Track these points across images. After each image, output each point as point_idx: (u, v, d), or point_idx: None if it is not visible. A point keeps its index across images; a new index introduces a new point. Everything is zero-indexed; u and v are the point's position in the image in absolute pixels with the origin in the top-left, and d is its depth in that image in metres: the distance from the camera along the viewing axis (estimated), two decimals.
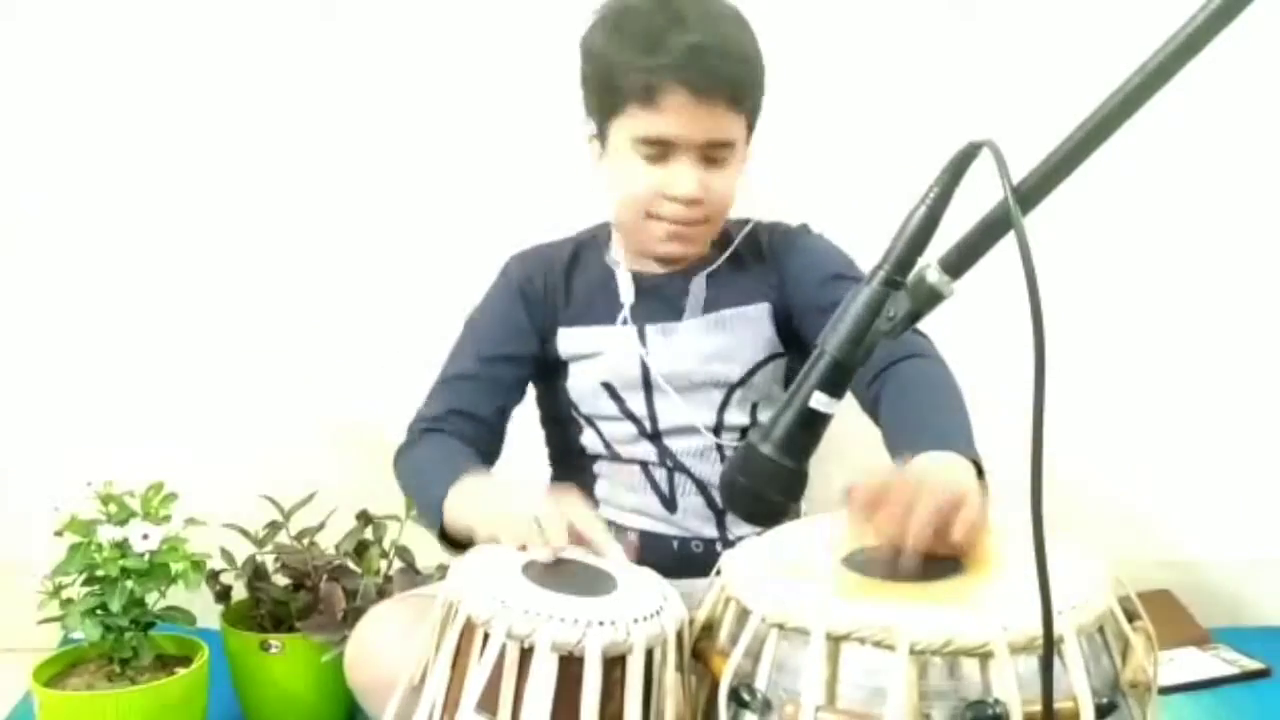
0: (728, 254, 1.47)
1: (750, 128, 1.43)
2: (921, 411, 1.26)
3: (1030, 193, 0.84)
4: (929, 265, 0.91)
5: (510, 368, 1.46)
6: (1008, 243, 0.84)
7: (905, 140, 1.75)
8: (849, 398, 1.32)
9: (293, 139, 1.79)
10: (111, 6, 1.77)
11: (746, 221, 1.53)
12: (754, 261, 1.48)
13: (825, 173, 1.78)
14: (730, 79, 1.34)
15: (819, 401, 0.95)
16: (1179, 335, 1.85)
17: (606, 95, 1.38)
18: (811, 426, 0.97)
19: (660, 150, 1.36)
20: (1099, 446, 1.86)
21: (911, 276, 0.92)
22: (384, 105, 1.78)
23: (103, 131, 1.79)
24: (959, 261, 0.90)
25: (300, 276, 1.81)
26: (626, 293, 1.45)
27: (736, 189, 1.42)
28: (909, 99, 1.77)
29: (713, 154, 1.37)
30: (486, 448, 1.43)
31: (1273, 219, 1.83)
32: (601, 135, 1.42)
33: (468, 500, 1.24)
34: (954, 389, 1.30)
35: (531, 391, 1.53)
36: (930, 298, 0.91)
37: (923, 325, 0.95)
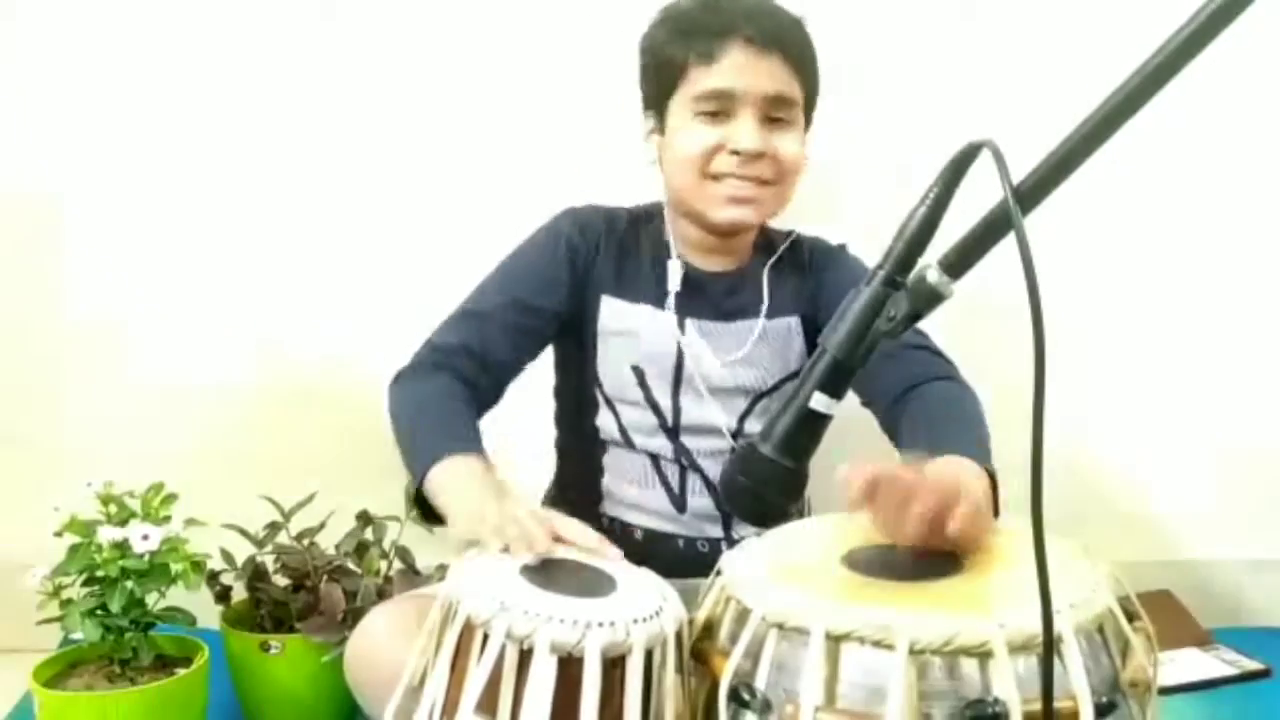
0: (774, 259, 1.47)
1: (807, 111, 1.44)
2: (939, 428, 1.26)
3: (1030, 193, 0.84)
4: (929, 265, 0.91)
5: (535, 319, 1.43)
6: (1008, 243, 0.84)
7: (905, 140, 1.75)
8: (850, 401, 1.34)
9: (294, 139, 1.78)
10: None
11: (790, 231, 1.53)
12: (793, 274, 1.48)
13: (825, 173, 1.77)
14: (786, 37, 1.38)
15: (819, 402, 0.96)
16: (1179, 336, 1.85)
17: (666, 71, 1.41)
18: (811, 427, 0.97)
19: (721, 107, 1.37)
20: (1099, 447, 1.86)
21: (912, 277, 0.93)
22: (382, 110, 1.78)
23: (102, 129, 1.78)
24: (959, 262, 0.90)
25: (301, 277, 1.81)
26: (675, 279, 1.44)
27: (802, 161, 1.43)
28: (908, 99, 1.77)
29: (775, 113, 1.38)
30: (486, 395, 1.40)
31: (1273, 219, 1.83)
32: (660, 120, 1.44)
33: (451, 485, 1.22)
34: (977, 412, 1.31)
35: (548, 368, 1.52)
36: (930, 298, 0.91)
37: (925, 324, 0.95)
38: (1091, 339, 1.82)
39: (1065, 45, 1.75)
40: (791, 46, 1.39)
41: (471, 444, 1.28)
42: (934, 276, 0.90)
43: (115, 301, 1.81)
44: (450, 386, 1.36)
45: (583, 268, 1.45)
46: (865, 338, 0.95)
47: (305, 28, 1.77)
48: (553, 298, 1.43)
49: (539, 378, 1.52)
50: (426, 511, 1.26)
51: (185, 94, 1.77)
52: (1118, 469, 1.88)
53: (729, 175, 1.38)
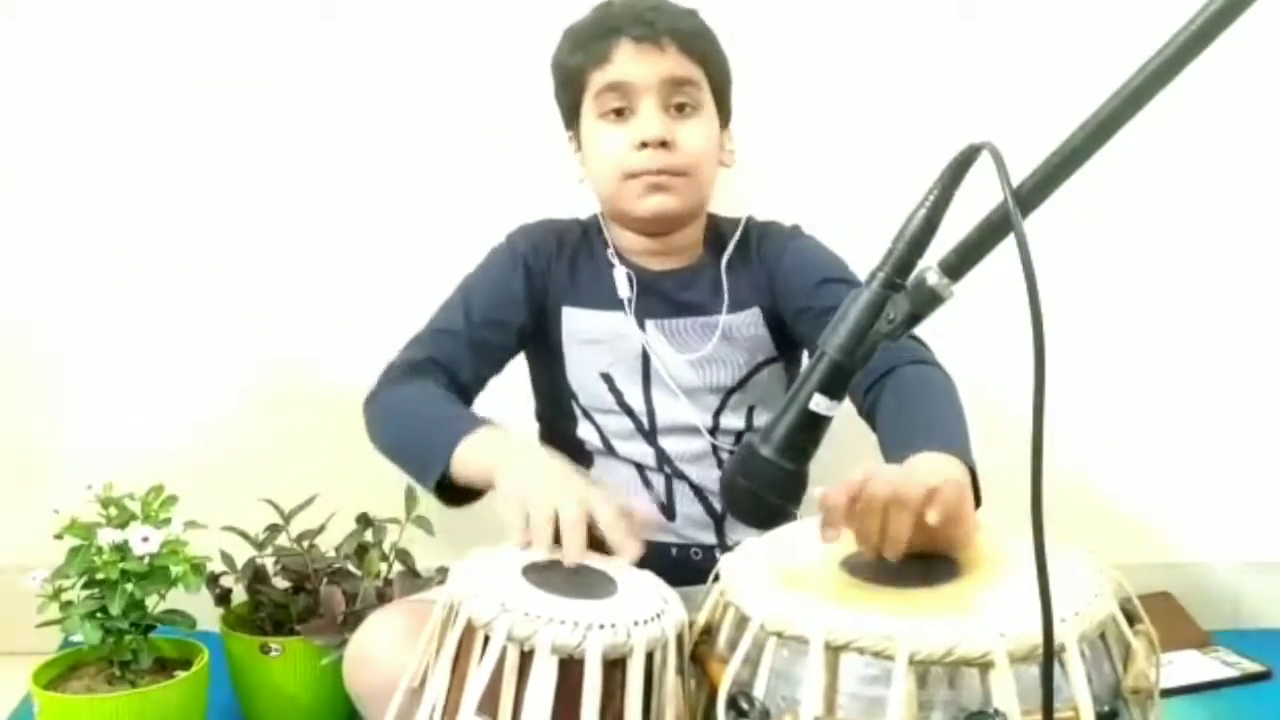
0: (725, 255, 1.47)
1: (717, 94, 1.46)
2: (916, 417, 1.26)
3: (1030, 195, 0.84)
4: (929, 268, 0.91)
5: (497, 334, 1.45)
6: (1008, 245, 0.84)
7: (905, 141, 1.75)
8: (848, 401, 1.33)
9: (295, 142, 1.78)
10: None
11: (740, 220, 1.53)
12: (747, 265, 1.48)
13: (825, 174, 1.78)
14: (676, 26, 1.41)
15: (819, 404, 0.95)
16: (1179, 337, 1.84)
17: (570, 83, 1.45)
18: (811, 429, 0.96)
19: (623, 103, 1.40)
20: (1099, 449, 1.86)
21: (911, 279, 0.93)
22: (383, 116, 1.78)
23: (102, 130, 1.78)
24: (959, 264, 0.90)
25: (301, 278, 1.81)
26: (623, 286, 1.45)
27: (712, 149, 1.45)
28: (909, 100, 1.77)
29: (676, 99, 1.41)
30: None
31: (1273, 221, 1.83)
32: (577, 134, 1.48)
33: (494, 448, 1.21)
34: (952, 394, 1.30)
35: (527, 383, 1.53)
36: (930, 300, 0.91)
37: (924, 326, 0.95)
38: (1091, 341, 1.81)
39: (1065, 45, 1.75)
40: (682, 34, 1.41)
41: (489, 423, 1.27)
42: (934, 279, 0.90)
43: (115, 302, 1.81)
44: (436, 386, 1.38)
45: (540, 282, 1.47)
46: (864, 340, 0.94)
47: (305, 29, 1.77)
48: (513, 313, 1.45)
49: (524, 400, 1.54)
50: (450, 495, 1.26)
51: (189, 100, 1.77)
52: (1118, 471, 1.88)
53: (644, 172, 1.39)
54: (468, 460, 1.22)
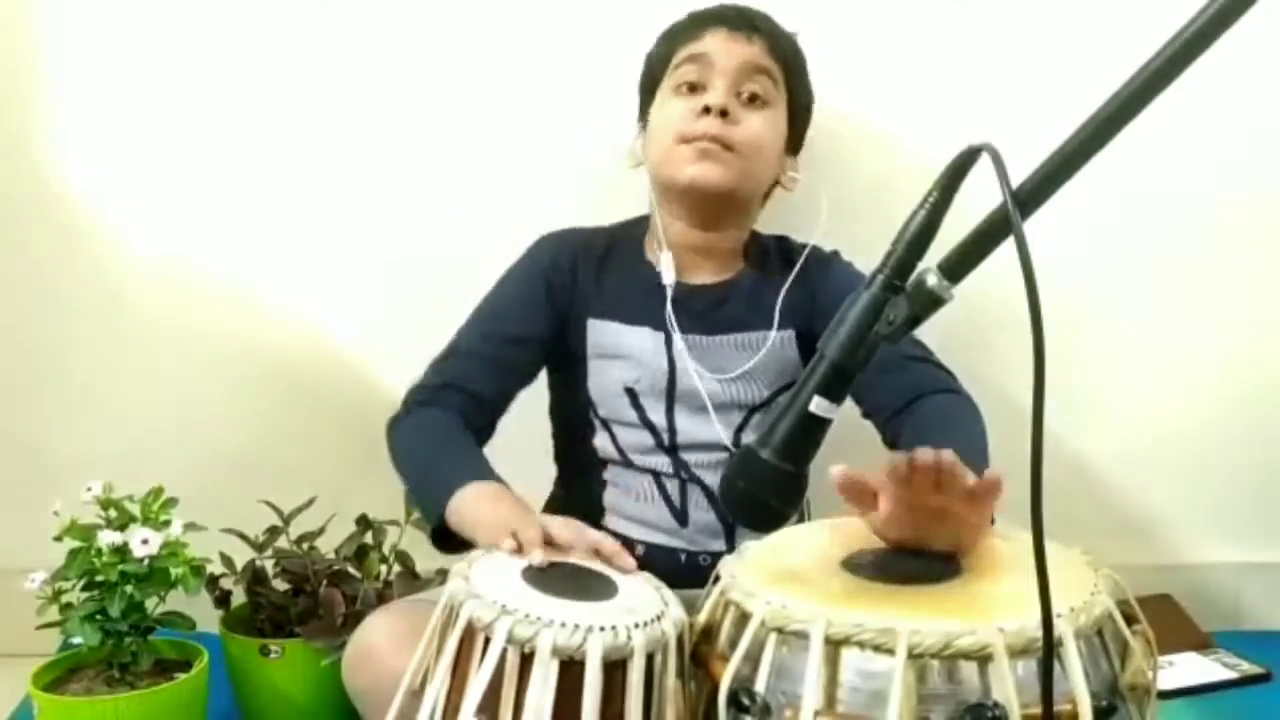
0: (765, 270, 1.47)
1: (792, 112, 1.48)
2: (940, 441, 1.26)
3: (1030, 196, 0.84)
4: (929, 269, 0.91)
5: (519, 351, 1.44)
6: (1008, 246, 0.84)
7: (904, 143, 1.75)
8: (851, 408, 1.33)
9: (295, 144, 1.78)
10: None
11: (781, 237, 1.53)
12: (783, 283, 1.48)
13: (824, 175, 1.77)
14: (766, 29, 1.45)
15: (819, 406, 0.95)
16: (1179, 338, 1.84)
17: (656, 66, 1.48)
18: (811, 431, 0.97)
19: (699, 76, 1.42)
20: (1099, 450, 1.86)
21: (911, 281, 0.93)
22: (386, 114, 1.77)
23: (103, 130, 1.78)
24: (959, 265, 0.90)
25: (301, 279, 1.81)
26: (668, 273, 1.44)
27: (772, 145, 1.46)
28: (908, 101, 1.77)
29: (749, 88, 1.42)
30: (480, 430, 1.41)
31: (1273, 223, 1.83)
32: (646, 114, 1.50)
33: (476, 510, 1.23)
34: (978, 423, 1.30)
35: (544, 385, 1.52)
36: (930, 302, 0.91)
37: (925, 325, 0.95)
38: (1090, 343, 1.81)
39: (1065, 46, 1.75)
40: (774, 37, 1.44)
41: (484, 470, 1.29)
42: (933, 280, 0.90)
43: (116, 303, 1.81)
44: (447, 419, 1.38)
45: (563, 294, 1.46)
46: (864, 342, 0.95)
47: (313, 28, 1.77)
48: (534, 328, 1.45)
49: (534, 396, 1.53)
50: (448, 543, 1.27)
51: (188, 97, 1.77)
52: (1116, 473, 1.87)
53: (696, 137, 1.40)
54: (456, 520, 1.24)
